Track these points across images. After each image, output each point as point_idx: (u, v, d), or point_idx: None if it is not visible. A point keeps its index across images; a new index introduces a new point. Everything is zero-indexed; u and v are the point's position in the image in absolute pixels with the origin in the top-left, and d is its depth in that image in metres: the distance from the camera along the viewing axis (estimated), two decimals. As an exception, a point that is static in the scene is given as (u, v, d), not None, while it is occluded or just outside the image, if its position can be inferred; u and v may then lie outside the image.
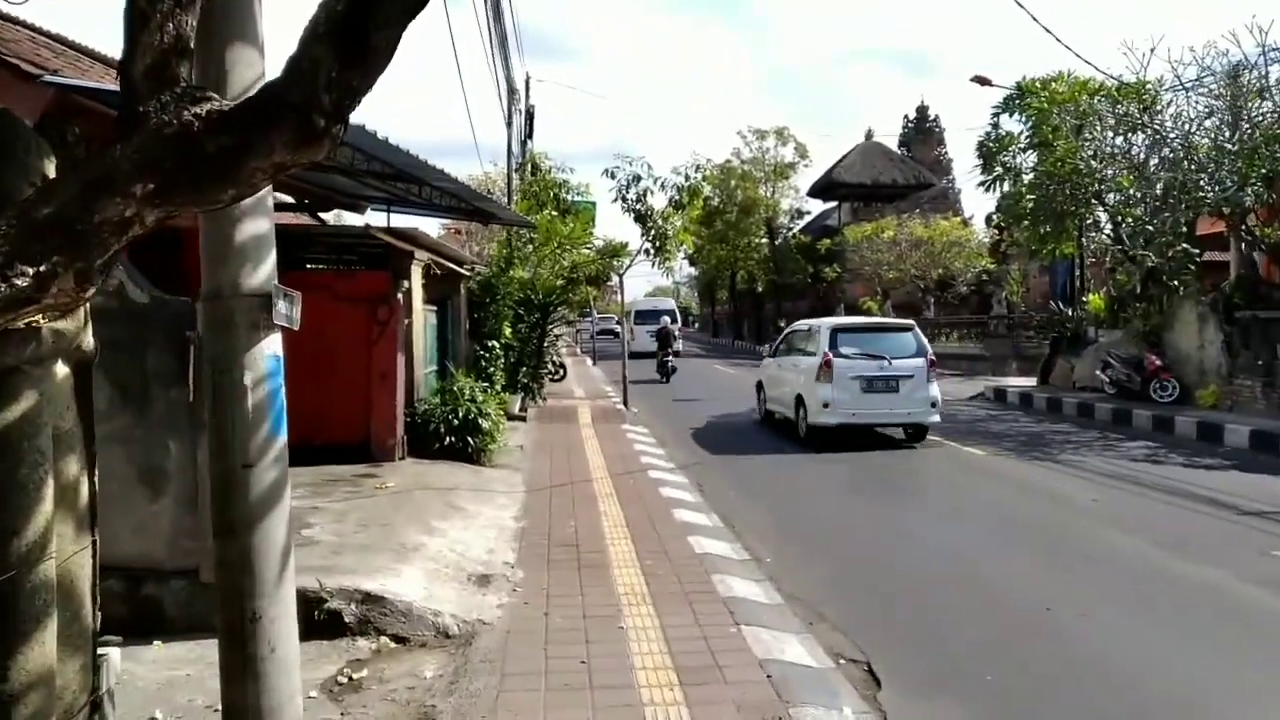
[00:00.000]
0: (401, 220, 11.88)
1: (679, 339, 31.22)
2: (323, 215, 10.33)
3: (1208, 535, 7.94)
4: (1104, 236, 20.15)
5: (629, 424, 15.16)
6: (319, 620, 5.30)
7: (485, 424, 10.52)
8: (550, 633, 5.28)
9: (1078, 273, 21.81)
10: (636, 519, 8.07)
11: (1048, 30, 29.37)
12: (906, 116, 52.18)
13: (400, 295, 10.44)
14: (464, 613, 5.54)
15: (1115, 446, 13.34)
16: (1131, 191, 15.26)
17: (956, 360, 27.67)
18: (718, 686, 4.53)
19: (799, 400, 13.60)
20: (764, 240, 46.53)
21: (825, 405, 12.87)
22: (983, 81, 21.54)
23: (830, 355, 13.05)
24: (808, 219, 49.34)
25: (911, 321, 15.36)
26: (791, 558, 7.24)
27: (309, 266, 10.48)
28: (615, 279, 19.65)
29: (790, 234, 47.24)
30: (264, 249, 3.60)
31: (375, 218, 11.35)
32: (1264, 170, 13.36)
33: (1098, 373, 18.55)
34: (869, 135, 45.67)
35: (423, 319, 11.18)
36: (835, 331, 13.60)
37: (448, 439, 10.26)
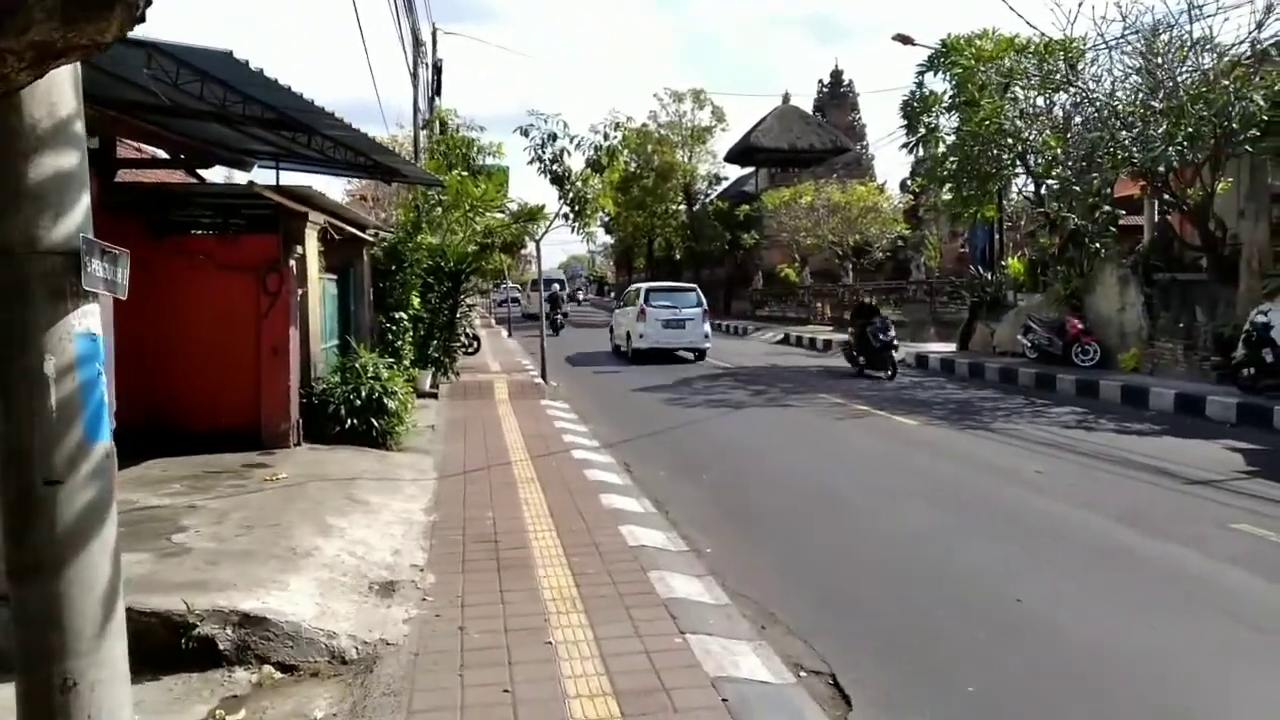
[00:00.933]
0: (293, 179, 10.77)
1: (568, 302, 42.36)
2: (205, 174, 9.19)
3: (1162, 508, 7.60)
4: (1023, 198, 20.07)
5: (549, 399, 14.35)
6: (188, 650, 4.43)
7: (391, 404, 9.60)
8: (466, 653, 4.51)
9: (997, 237, 21.73)
10: (561, 506, 7.32)
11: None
12: (821, 81, 52.18)
13: (293, 262, 9.40)
14: (364, 631, 4.73)
15: (1044, 413, 13.15)
16: (1057, 151, 15.00)
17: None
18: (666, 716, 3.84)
19: (627, 335, 21.97)
20: (682, 207, 45.89)
21: (641, 336, 21.03)
22: (905, 40, 21.15)
23: (644, 306, 21.16)
24: (725, 185, 48.87)
25: (694, 285, 23.67)
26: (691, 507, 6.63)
27: (192, 233, 9.34)
28: (531, 245, 18.74)
29: (708, 200, 46.70)
30: (71, 191, 2.70)
31: (266, 177, 10.25)
32: (1189, 130, 13.19)
33: (1019, 337, 18.50)
34: (786, 99, 45.33)
35: (320, 289, 10.15)
36: (648, 291, 21.93)
37: (349, 421, 9.31)
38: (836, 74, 53.28)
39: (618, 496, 7.76)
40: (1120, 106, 14.60)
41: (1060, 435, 11.12)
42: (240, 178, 11.89)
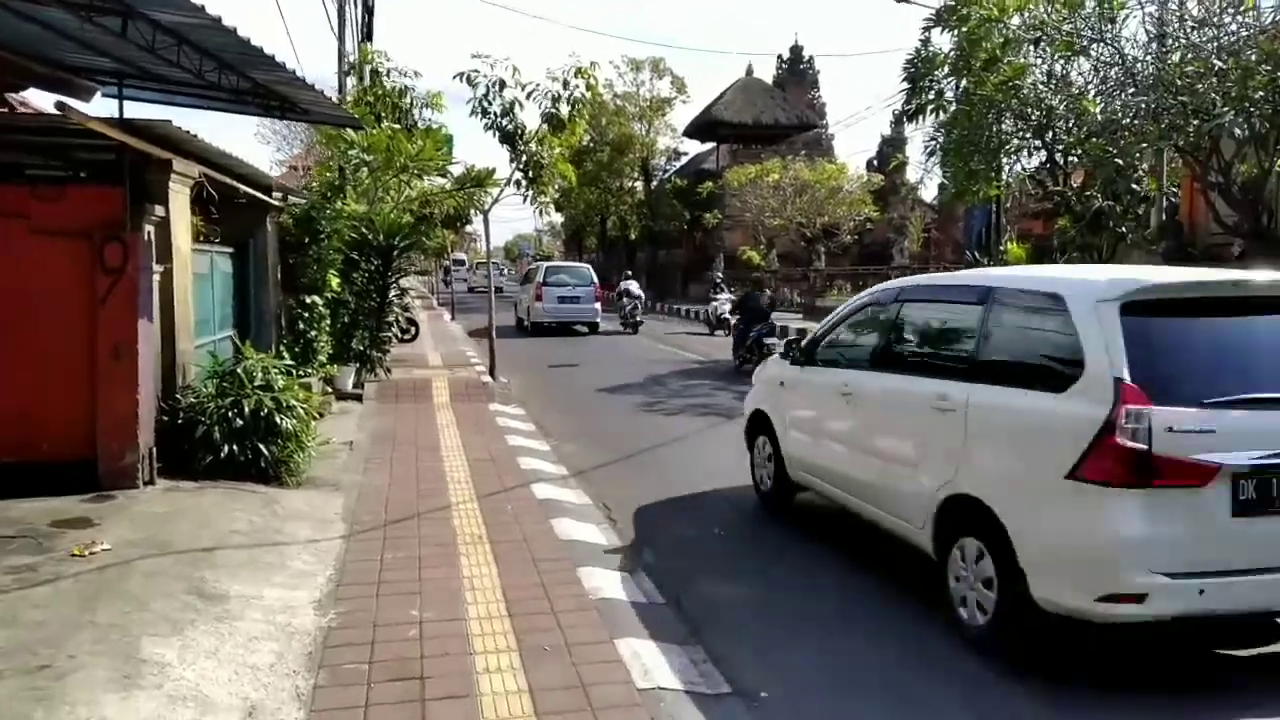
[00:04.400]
0: (147, 112, 8.12)
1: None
2: (15, 99, 6.54)
3: None
4: (1026, 175, 18.04)
5: (499, 403, 11.88)
6: None
7: (287, 423, 7.06)
8: None
9: (996, 217, 19.74)
10: (524, 596, 4.93)
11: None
12: (780, 57, 49.81)
13: (148, 229, 6.80)
14: None
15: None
16: (1096, 117, 12.88)
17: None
18: None
19: (528, 310, 24.30)
20: (639, 184, 43.33)
21: (540, 311, 23.51)
22: (899, -2, 18.97)
23: (541, 283, 23.79)
24: (684, 161, 46.41)
25: (587, 265, 27.48)
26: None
27: (4, 180, 6.66)
28: (478, 218, 16.18)
29: (667, 177, 44.22)
30: None
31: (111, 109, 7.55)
32: (1260, 94, 11.16)
33: (1029, 330, 16.47)
34: (749, 71, 43.04)
35: (190, 266, 7.54)
36: (546, 269, 25.08)
37: (226, 448, 6.76)
38: (796, 49, 50.95)
39: (603, 573, 5.39)
40: (1167, 67, 12.52)
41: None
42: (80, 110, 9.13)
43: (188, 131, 6.98)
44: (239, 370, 7.16)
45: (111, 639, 3.92)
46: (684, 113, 42.80)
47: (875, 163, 39.66)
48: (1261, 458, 3.85)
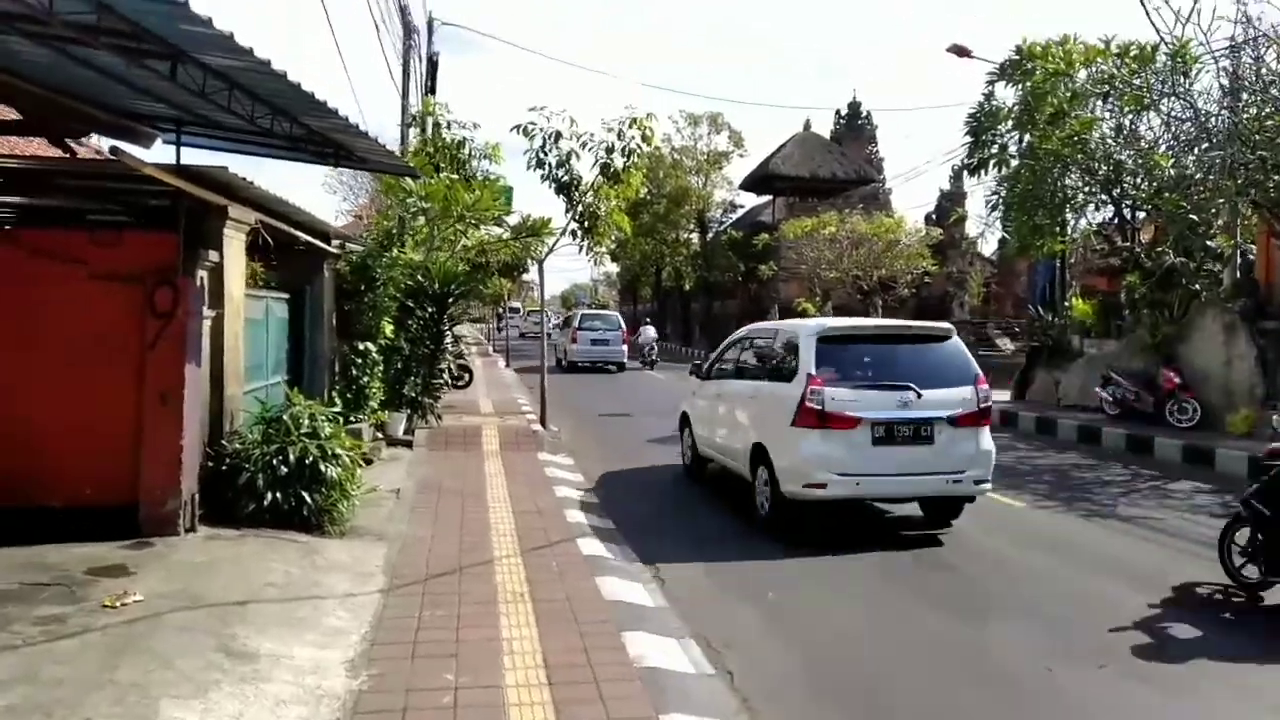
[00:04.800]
0: (206, 159, 8.22)
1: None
2: (80, 145, 6.62)
3: None
4: (1092, 231, 17.54)
5: (548, 452, 11.70)
6: None
7: (332, 471, 6.93)
8: None
9: (1060, 274, 19.20)
10: (565, 661, 4.67)
11: None
12: (838, 112, 49.71)
13: (202, 274, 6.81)
14: None
15: (1166, 491, 10.58)
16: (1169, 173, 12.44)
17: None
18: None
19: (565, 350, 28.41)
20: (694, 235, 43.36)
21: (574, 351, 27.28)
22: (961, 52, 18.76)
23: (577, 328, 28.12)
24: (739, 214, 46.41)
25: (616, 313, 31.75)
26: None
27: (54, 227, 6.75)
28: (533, 266, 16.20)
29: (722, 229, 44.22)
30: None
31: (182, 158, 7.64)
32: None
33: (1098, 390, 15.85)
34: (807, 125, 42.97)
35: (242, 312, 7.53)
36: (581, 316, 29.94)
37: (270, 496, 6.65)
38: (854, 105, 50.87)
39: (649, 638, 5.10)
40: (1244, 121, 12.08)
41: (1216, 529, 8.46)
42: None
43: (245, 179, 7.01)
44: (285, 417, 7.07)
45: (129, 700, 3.74)
46: (740, 166, 42.95)
47: (934, 216, 39.11)
48: (882, 415, 7.47)
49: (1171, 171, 12.40)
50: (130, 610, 4.78)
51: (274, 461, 6.75)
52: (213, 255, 6.93)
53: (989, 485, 7.98)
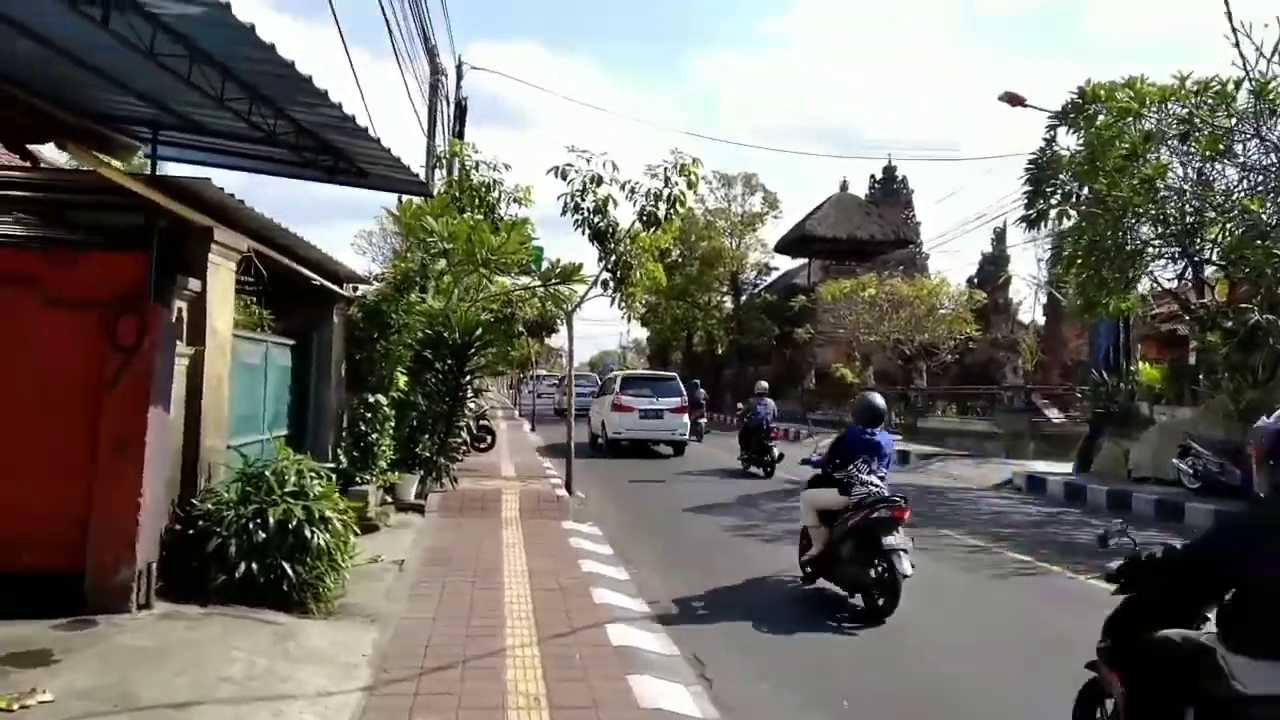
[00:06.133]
0: (182, 170, 7.34)
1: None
2: (39, 149, 5.80)
3: None
4: (1156, 288, 16.34)
5: (573, 520, 10.58)
6: None
7: (319, 538, 5.89)
8: None
9: (1124, 335, 17.97)
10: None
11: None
12: (873, 176, 49.11)
13: (179, 304, 5.89)
14: None
15: None
16: (1260, 215, 11.29)
17: (962, 438, 23.52)
18: None
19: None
20: (727, 299, 42.46)
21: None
22: (1014, 100, 17.90)
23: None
24: (773, 277, 45.55)
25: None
26: None
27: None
28: (561, 326, 15.30)
29: (756, 292, 43.31)
30: None
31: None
32: None
33: (1176, 461, 14.47)
34: (844, 187, 42.25)
35: (228, 352, 6.58)
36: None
37: (243, 566, 5.60)
38: (889, 170, 50.29)
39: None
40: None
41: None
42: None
43: (240, 199, 6.14)
44: (268, 473, 6.06)
45: None
46: (775, 229, 42.21)
47: (975, 280, 38.04)
48: (643, 407, 20.62)
49: (1264, 216, 11.22)
50: (32, 715, 3.72)
51: (250, 525, 5.72)
52: (193, 283, 6.03)
53: (687, 436, 20.90)
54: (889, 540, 6.67)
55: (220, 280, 6.41)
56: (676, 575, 8.27)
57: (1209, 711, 2.98)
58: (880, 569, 6.69)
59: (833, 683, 5.42)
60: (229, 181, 9.13)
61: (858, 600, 6.98)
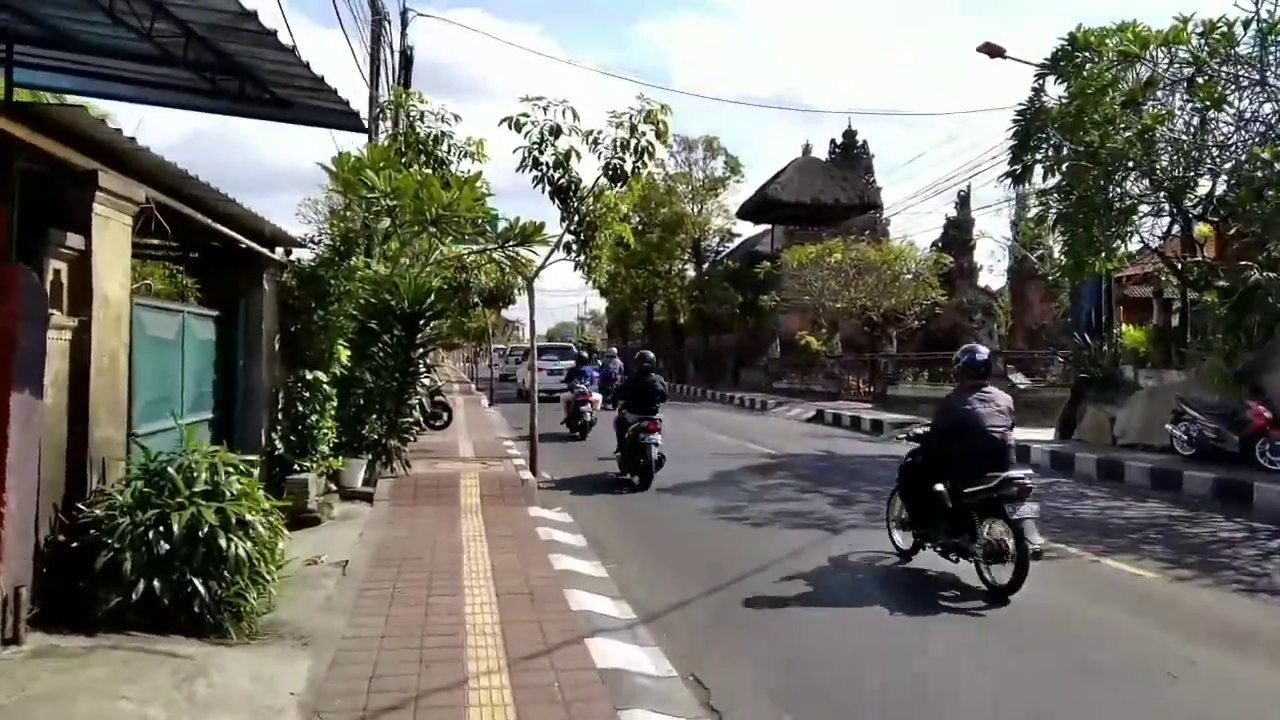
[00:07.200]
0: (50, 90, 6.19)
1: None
2: None
3: None
4: (1145, 246, 15.68)
5: (540, 506, 9.62)
6: None
7: (237, 546, 4.85)
8: None
9: (1105, 297, 17.35)
10: None
11: None
12: (833, 141, 48.27)
13: (54, 264, 4.79)
14: None
15: (1303, 550, 8.56)
16: (1273, 164, 10.52)
17: (934, 405, 22.84)
18: None
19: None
20: (689, 266, 41.44)
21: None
22: (993, 52, 17.06)
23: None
24: (735, 243, 44.59)
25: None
26: None
27: None
28: (520, 296, 14.25)
29: (718, 259, 42.35)
30: None
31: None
32: None
33: (1168, 427, 13.88)
34: (806, 150, 41.34)
35: (125, 323, 5.47)
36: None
37: (142, 584, 4.56)
38: (850, 134, 49.48)
39: None
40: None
41: None
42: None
43: (132, 139, 5.02)
44: (171, 469, 4.99)
45: None
46: (738, 194, 41.15)
47: (939, 245, 37.42)
48: (549, 366, 26.77)
49: (1277, 165, 10.45)
50: None
51: (150, 534, 4.66)
52: (73, 240, 4.91)
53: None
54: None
55: (111, 237, 5.29)
56: (658, 568, 7.35)
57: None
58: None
59: (857, 686, 4.53)
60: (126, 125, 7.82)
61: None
